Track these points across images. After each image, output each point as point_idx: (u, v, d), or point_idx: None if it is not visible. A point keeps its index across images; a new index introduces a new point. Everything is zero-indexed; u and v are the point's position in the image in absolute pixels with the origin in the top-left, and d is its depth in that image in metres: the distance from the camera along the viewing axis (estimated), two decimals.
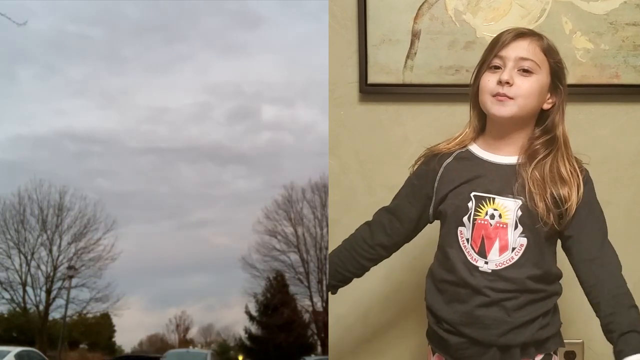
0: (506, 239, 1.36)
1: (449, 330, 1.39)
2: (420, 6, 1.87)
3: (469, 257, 1.38)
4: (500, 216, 1.37)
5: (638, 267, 1.88)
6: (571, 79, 1.86)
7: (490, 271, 1.36)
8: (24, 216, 22.96)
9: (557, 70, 1.41)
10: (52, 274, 22.84)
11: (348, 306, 1.90)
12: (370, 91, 1.89)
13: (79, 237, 23.52)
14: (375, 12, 1.87)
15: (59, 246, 23.21)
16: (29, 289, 22.60)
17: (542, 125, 1.41)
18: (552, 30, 1.87)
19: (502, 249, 1.36)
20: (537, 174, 1.36)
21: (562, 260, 1.83)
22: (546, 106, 1.40)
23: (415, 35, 1.87)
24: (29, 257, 22.61)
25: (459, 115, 1.89)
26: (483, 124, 1.46)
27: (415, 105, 1.89)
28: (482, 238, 1.37)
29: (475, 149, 1.45)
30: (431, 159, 1.47)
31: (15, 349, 13.25)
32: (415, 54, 1.87)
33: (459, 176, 1.42)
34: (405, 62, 1.87)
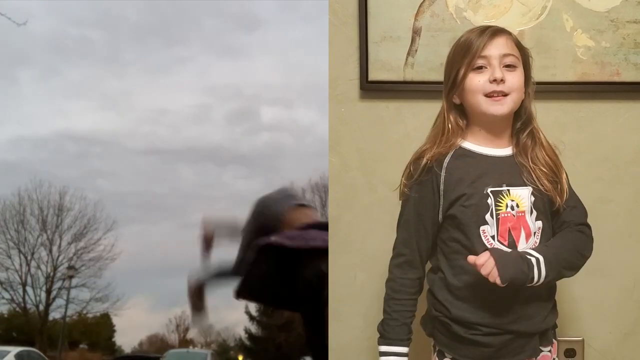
0: (528, 225, 1.42)
1: (490, 333, 1.41)
2: (421, 3, 1.87)
3: None
4: (517, 205, 1.42)
5: (639, 265, 1.88)
6: (572, 76, 1.87)
7: None
8: (24, 216, 23.06)
9: (527, 61, 1.48)
10: (52, 274, 22.91)
11: (350, 306, 1.90)
12: (371, 88, 1.88)
13: (79, 237, 23.64)
14: (376, 9, 1.87)
15: (59, 246, 23.32)
16: (29, 289, 22.69)
17: (519, 114, 1.47)
18: (553, 27, 1.87)
19: (528, 236, 1.42)
20: (538, 163, 1.45)
21: None
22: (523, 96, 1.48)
23: (416, 32, 1.87)
24: (29, 257, 22.70)
25: None
26: (464, 122, 1.49)
27: (416, 102, 1.89)
28: (509, 230, 1.41)
29: (470, 145, 1.47)
30: (434, 166, 1.45)
31: (15, 349, 13.26)
32: (416, 51, 1.87)
33: (467, 175, 1.43)
34: (406, 59, 1.87)
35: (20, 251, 22.77)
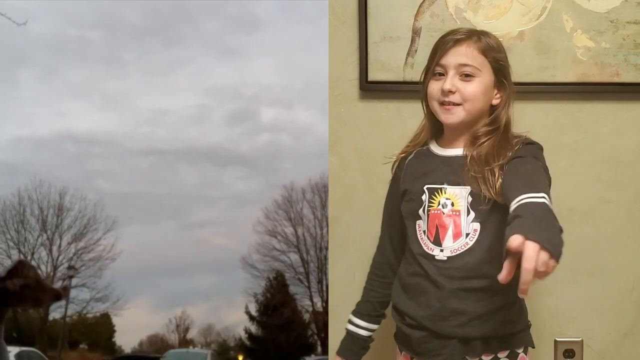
0: (460, 225, 1.39)
1: (411, 325, 1.42)
2: (421, 3, 1.87)
3: (425, 248, 1.42)
4: (452, 204, 1.40)
5: (638, 266, 1.88)
6: (571, 77, 1.87)
7: (445, 258, 1.38)
8: (24, 216, 23.05)
9: (498, 68, 1.44)
10: (52, 274, 22.90)
11: (348, 306, 1.89)
12: (371, 88, 1.88)
13: (79, 237, 23.63)
14: (375, 9, 1.87)
15: (59, 246, 23.30)
16: None
17: (489, 118, 1.45)
18: (553, 28, 1.87)
19: (456, 236, 1.39)
20: (475, 154, 1.39)
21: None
22: (495, 102, 1.45)
23: (415, 32, 1.87)
24: (29, 257, 22.66)
25: None
26: (437, 124, 1.50)
27: (415, 102, 1.86)
28: (437, 227, 1.41)
29: (434, 146, 1.51)
30: (400, 162, 1.56)
31: (15, 349, 13.26)
32: (416, 51, 1.87)
33: (415, 172, 1.49)
34: (406, 60, 1.87)
35: (20, 251, 22.76)
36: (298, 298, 25.68)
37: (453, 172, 1.41)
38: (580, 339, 1.84)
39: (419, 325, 1.40)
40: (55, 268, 23.16)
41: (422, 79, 1.50)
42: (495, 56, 1.44)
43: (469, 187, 1.38)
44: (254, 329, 26.00)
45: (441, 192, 1.41)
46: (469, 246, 1.38)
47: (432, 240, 1.41)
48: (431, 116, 1.50)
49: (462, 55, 1.41)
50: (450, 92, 1.40)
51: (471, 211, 1.38)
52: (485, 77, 1.42)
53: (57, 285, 22.97)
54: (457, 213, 1.39)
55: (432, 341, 1.38)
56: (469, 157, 1.40)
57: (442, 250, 1.39)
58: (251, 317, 26.04)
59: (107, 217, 24.41)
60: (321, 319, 23.48)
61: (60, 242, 23.50)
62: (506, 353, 1.38)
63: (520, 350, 1.40)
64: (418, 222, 1.44)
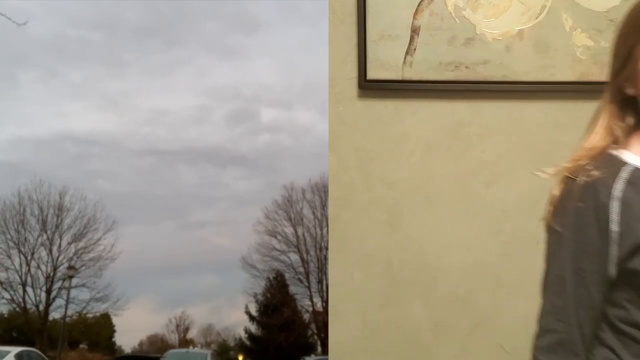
0: None
1: None
2: (420, 2, 1.87)
3: None
4: None
5: None
6: (571, 75, 1.87)
7: None
8: (24, 216, 23.11)
9: None
10: (52, 274, 22.94)
11: (348, 305, 1.89)
12: (370, 87, 1.88)
13: (79, 237, 23.71)
14: (374, 7, 1.87)
15: (59, 246, 23.37)
16: (29, 289, 22.72)
17: None
18: (552, 27, 1.86)
19: None
20: None
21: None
22: None
23: (414, 31, 1.87)
24: (29, 257, 22.73)
25: (459, 112, 1.89)
26: (631, 122, 1.06)
27: (414, 101, 1.88)
28: None
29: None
30: (587, 191, 0.97)
31: (15, 349, 13.29)
32: (415, 49, 1.86)
33: None
34: (405, 58, 1.87)
35: (20, 251, 22.80)
36: (298, 298, 25.75)
37: None
38: None
39: None
40: (55, 268, 23.19)
41: (625, 57, 1.03)
42: None
43: None
44: (254, 329, 26.04)
45: None
46: None
47: None
48: (623, 109, 1.06)
49: None
50: None
51: None
52: None
53: (57, 285, 22.96)
54: None
55: None
56: None
57: None
58: (251, 317, 26.07)
59: (107, 217, 24.50)
60: (321, 319, 23.50)
61: (60, 242, 23.56)
62: None
63: None
64: None
